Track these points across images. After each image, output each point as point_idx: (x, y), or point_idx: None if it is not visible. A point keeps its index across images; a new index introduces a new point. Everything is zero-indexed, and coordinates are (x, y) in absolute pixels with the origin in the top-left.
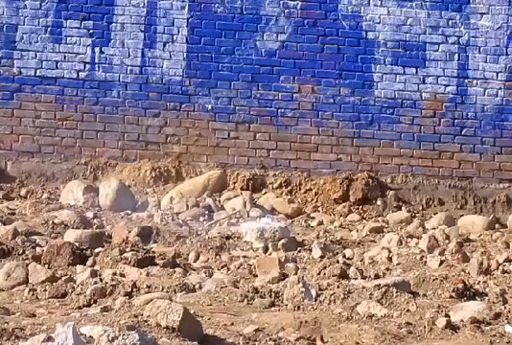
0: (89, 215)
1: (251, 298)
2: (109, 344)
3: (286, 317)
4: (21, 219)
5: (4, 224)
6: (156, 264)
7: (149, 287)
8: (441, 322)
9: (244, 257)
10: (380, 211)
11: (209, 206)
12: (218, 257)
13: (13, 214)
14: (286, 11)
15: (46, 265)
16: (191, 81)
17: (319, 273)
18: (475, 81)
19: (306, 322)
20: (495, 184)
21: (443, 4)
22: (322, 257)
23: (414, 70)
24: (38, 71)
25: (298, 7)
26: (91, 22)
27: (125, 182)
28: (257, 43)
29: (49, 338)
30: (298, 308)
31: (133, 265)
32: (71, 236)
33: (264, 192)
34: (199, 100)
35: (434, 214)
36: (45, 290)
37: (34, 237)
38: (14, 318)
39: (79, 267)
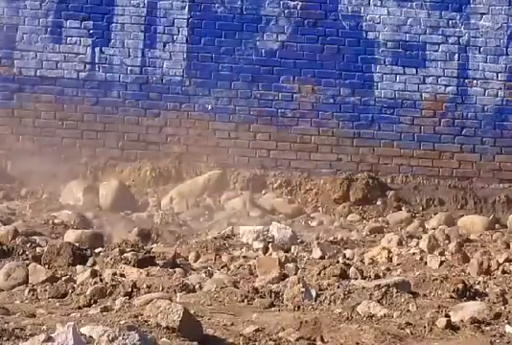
0: (89, 215)
1: (251, 298)
2: (109, 344)
3: (286, 317)
4: (21, 219)
5: (4, 224)
6: (156, 265)
7: (149, 287)
8: (441, 322)
9: (244, 257)
10: (380, 211)
11: (209, 206)
12: (218, 257)
13: (13, 214)
14: (286, 11)
15: (46, 266)
16: (191, 81)
17: (319, 273)
18: (475, 82)
19: (306, 322)
20: (495, 184)
21: (443, 4)
22: (322, 257)
23: (414, 70)
24: (38, 71)
25: (298, 7)
26: (91, 22)
27: (125, 182)
28: (257, 43)
29: (49, 338)
30: (298, 308)
31: (133, 266)
32: (71, 236)
33: (264, 192)
34: (199, 100)
35: (434, 214)
36: (45, 290)
37: (35, 237)
38: (14, 318)
39: (79, 267)
